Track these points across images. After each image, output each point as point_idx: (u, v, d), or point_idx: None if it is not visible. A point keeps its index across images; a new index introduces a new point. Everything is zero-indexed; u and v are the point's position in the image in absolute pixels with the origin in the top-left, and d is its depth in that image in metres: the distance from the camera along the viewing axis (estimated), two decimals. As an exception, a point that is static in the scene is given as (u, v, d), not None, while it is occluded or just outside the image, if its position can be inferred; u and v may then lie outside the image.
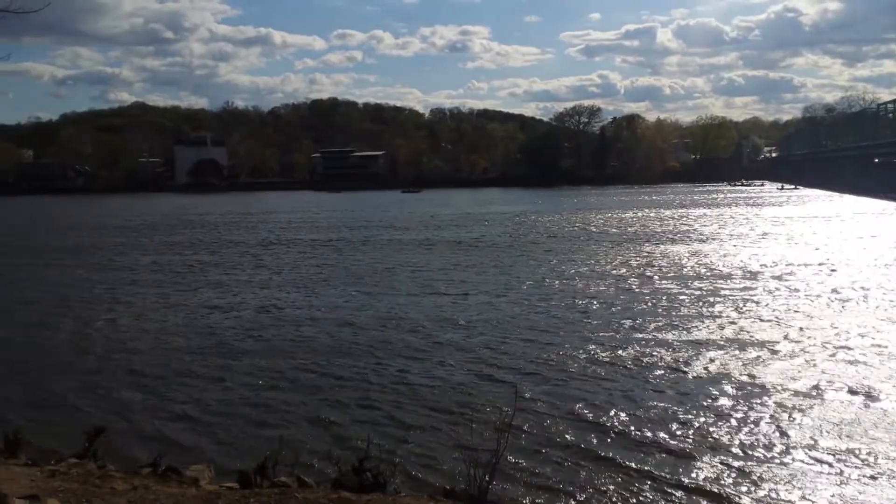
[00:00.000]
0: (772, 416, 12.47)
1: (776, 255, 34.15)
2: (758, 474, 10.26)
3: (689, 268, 30.63)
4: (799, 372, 14.96)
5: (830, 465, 10.49)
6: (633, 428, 12.11)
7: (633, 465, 10.67)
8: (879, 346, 16.86)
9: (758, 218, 59.57)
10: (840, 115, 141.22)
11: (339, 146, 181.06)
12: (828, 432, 11.68)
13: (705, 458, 10.81)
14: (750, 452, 11.03)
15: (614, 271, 30.13)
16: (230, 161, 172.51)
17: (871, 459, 10.61)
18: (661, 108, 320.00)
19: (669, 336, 18.30)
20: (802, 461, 10.67)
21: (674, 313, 21.04)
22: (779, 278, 27.17)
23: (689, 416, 12.54)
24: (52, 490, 7.24)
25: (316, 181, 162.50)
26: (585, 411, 13.01)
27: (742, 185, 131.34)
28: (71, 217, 77.87)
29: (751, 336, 18.11)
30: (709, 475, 10.27)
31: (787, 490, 9.77)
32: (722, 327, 19.14)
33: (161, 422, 13.14)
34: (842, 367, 15.23)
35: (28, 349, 18.67)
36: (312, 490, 8.20)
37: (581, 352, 16.93)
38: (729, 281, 26.76)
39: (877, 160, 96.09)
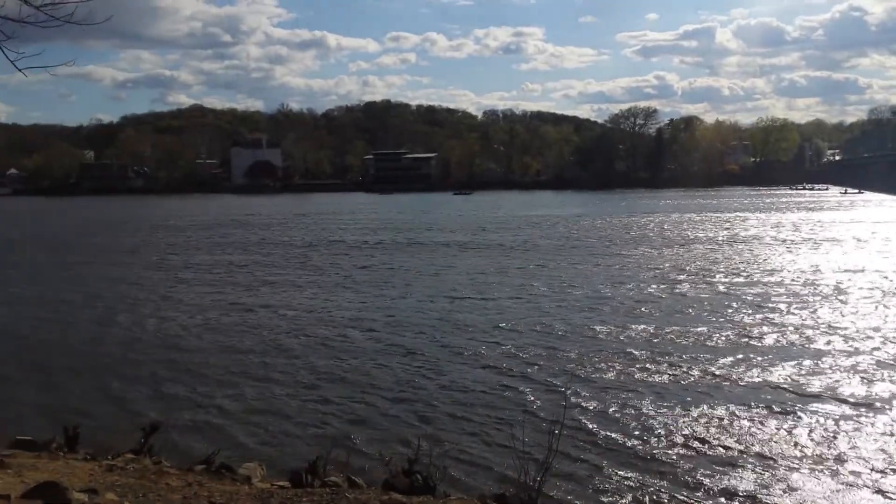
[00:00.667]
0: (831, 428, 12.03)
1: (840, 262, 33.05)
2: (810, 486, 9.95)
3: (747, 273, 29.89)
4: (857, 382, 14.42)
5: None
6: (685, 435, 11.83)
7: (681, 473, 10.45)
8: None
9: (818, 224, 57.74)
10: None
11: (391, 148, 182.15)
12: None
13: (757, 468, 10.52)
14: (803, 463, 10.70)
15: (670, 276, 29.55)
16: (285, 163, 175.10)
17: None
18: (719, 109, 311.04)
19: (725, 343, 17.84)
20: (858, 474, 10.25)
21: (732, 320, 20.53)
22: (840, 287, 26.28)
23: (743, 424, 12.18)
24: (110, 484, 7.37)
25: (368, 183, 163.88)
26: (635, 417, 12.76)
27: (804, 188, 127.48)
28: (133, 217, 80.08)
29: (811, 345, 17.56)
30: (760, 484, 10.02)
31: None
32: (783, 334, 18.58)
33: (214, 419, 13.36)
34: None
35: (87, 346, 19.25)
36: (363, 491, 8.18)
37: (632, 358, 16.61)
38: (797, 287, 26.02)
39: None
